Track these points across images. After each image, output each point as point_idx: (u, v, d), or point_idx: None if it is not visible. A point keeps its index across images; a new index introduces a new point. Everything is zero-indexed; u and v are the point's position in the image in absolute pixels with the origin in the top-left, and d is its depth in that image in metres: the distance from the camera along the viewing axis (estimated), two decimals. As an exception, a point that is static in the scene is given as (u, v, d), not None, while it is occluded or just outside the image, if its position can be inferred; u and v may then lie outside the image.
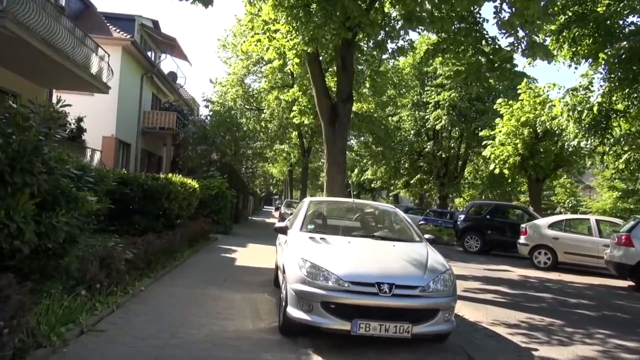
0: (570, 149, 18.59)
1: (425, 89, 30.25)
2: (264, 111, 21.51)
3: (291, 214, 27.45)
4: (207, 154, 23.41)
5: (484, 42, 10.57)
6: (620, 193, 34.89)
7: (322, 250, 5.10)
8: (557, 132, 17.81)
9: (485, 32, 10.46)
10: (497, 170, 22.29)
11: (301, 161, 22.55)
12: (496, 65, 10.15)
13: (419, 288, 4.70)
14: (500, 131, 21.91)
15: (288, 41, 9.48)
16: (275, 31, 9.37)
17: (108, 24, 22.19)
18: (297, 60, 10.02)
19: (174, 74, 31.18)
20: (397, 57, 13.95)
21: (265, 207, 69.59)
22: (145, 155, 26.47)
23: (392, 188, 43.29)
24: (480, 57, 10.54)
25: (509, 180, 24.95)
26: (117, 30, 21.86)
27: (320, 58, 10.69)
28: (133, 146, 24.02)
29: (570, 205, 42.26)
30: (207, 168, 20.87)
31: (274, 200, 76.96)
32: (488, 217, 17.61)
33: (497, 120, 22.57)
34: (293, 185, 43.90)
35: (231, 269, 9.43)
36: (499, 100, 22.40)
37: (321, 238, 5.42)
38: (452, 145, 31.29)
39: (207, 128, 23.58)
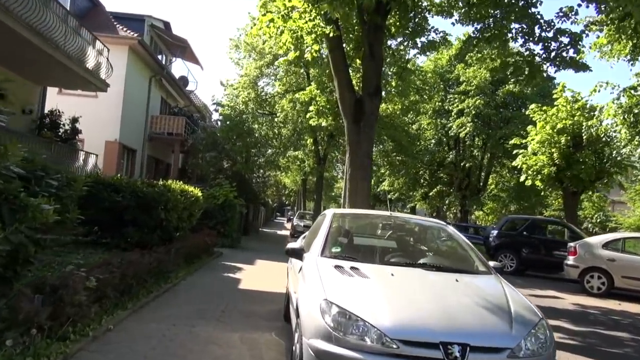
0: (618, 158, 16.71)
1: (448, 96, 28.58)
2: (277, 115, 20.02)
3: (305, 227, 25.91)
4: (217, 162, 21.95)
5: (537, 29, 8.92)
6: (656, 208, 32.67)
7: (355, 287, 3.47)
8: (603, 139, 15.99)
9: (539, 15, 8.81)
10: (528, 182, 20.43)
11: (316, 169, 20.95)
12: (555, 53, 8.45)
13: (507, 351, 3.05)
14: (533, 139, 20.10)
15: (306, 22, 7.95)
16: (291, 9, 7.84)
17: (116, 24, 20.96)
18: (315, 47, 8.49)
19: (185, 78, 29.92)
20: (428, 53, 12.26)
21: (277, 217, 68.06)
22: (152, 162, 25.12)
23: (410, 200, 41.43)
24: (532, 45, 8.88)
25: (542, 193, 23.04)
26: (125, 29, 20.62)
27: (344, 45, 9.13)
28: (139, 152, 22.66)
29: (598, 220, 40.02)
30: (215, 176, 19.40)
31: (286, 211, 75.40)
32: (525, 233, 15.77)
33: (530, 127, 20.79)
34: (306, 196, 42.26)
35: (233, 294, 7.81)
36: (532, 106, 20.64)
37: (352, 268, 3.77)
38: (476, 154, 29.44)
39: (217, 134, 22.14)
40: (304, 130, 19.27)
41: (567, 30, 8.43)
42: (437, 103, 27.53)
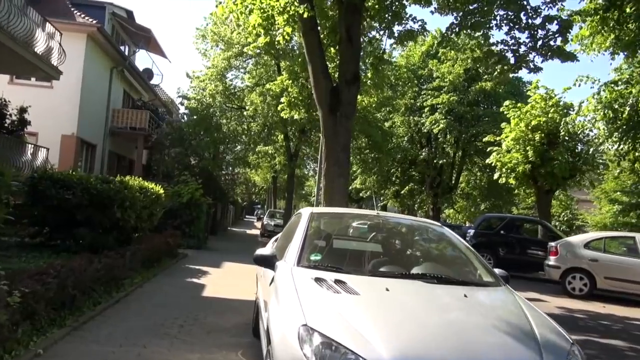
0: (596, 155, 16.53)
1: (421, 92, 28.22)
2: (246, 109, 19.11)
3: (276, 226, 25.01)
4: (182, 158, 20.85)
5: (522, 16, 8.38)
6: (621, 207, 33.17)
7: (343, 307, 2.71)
8: (580, 135, 15.76)
9: (525, 1, 8.27)
10: (502, 180, 20.16)
11: (287, 166, 20.12)
12: (542, 42, 7.91)
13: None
14: (507, 136, 19.84)
15: (277, 0, 7.18)
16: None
17: (74, 10, 19.60)
18: (288, 29, 7.71)
19: (149, 70, 28.55)
20: (405, 43, 11.64)
21: (247, 216, 66.81)
22: (114, 158, 23.78)
23: (381, 198, 41.05)
24: (517, 33, 8.34)
25: (515, 191, 22.85)
26: (83, 16, 19.30)
27: (319, 29, 8.37)
28: (99, 147, 21.35)
29: (565, 218, 40.64)
30: (180, 173, 18.35)
31: (256, 210, 74.17)
32: (502, 232, 15.40)
33: (504, 124, 20.53)
34: (277, 194, 41.34)
35: (195, 304, 6.96)
36: (506, 103, 20.38)
37: (337, 281, 3.00)
38: (449, 151, 29.18)
39: (183, 128, 21.04)
40: (274, 124, 18.41)
41: (557, 16, 7.94)
42: (409, 100, 27.09)
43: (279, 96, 17.83)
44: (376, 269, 3.43)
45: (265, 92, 18.43)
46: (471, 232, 15.93)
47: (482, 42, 10.30)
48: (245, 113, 19.77)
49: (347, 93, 7.69)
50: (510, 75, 29.05)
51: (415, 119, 28.08)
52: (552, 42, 8.24)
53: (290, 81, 11.33)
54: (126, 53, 24.34)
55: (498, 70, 8.76)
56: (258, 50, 18.82)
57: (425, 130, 27.78)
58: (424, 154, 29.41)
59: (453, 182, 32.11)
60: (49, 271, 4.95)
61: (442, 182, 31.65)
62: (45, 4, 18.92)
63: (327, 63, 9.36)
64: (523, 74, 31.87)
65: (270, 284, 3.53)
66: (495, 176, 20.79)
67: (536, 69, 8.57)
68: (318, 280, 3.00)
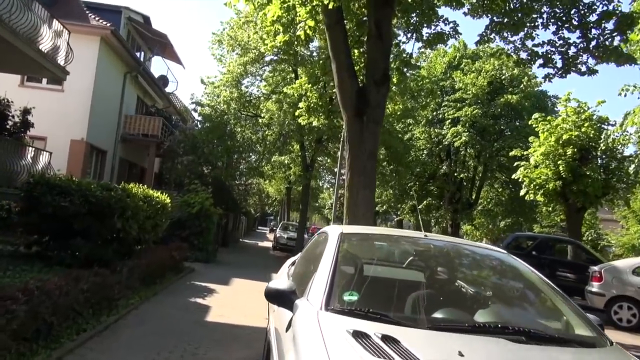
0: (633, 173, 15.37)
1: (442, 103, 27.24)
2: (262, 116, 18.31)
3: (289, 239, 24.01)
4: (194, 166, 20.09)
5: (573, 13, 7.42)
6: (652, 227, 31.68)
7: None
8: (615, 151, 14.65)
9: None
10: (530, 197, 19.02)
11: (303, 177, 19.21)
12: (596, 42, 6.93)
13: None
14: (535, 151, 18.74)
15: (300, -12, 6.36)
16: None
17: (89, 14, 19.11)
18: (310, 23, 6.87)
19: (164, 77, 28.09)
20: (434, 47, 10.74)
21: (259, 227, 65.94)
22: (125, 166, 23.13)
23: (398, 213, 39.94)
24: (566, 33, 7.37)
25: (544, 208, 21.65)
26: (97, 19, 18.79)
27: (345, 22, 7.49)
28: (110, 154, 20.70)
29: (590, 238, 39.06)
30: (190, 181, 17.57)
31: (269, 221, 73.32)
32: (534, 253, 14.22)
33: (532, 138, 19.44)
34: (291, 205, 40.39)
35: (196, 332, 6.03)
36: (536, 115, 19.29)
37: (385, 339, 2.05)
38: (471, 164, 28.05)
39: (196, 136, 20.32)
40: (290, 133, 17.54)
41: (617, 12, 6.94)
42: (430, 111, 26.14)
43: (296, 103, 17.05)
44: (436, 318, 2.46)
45: (281, 99, 17.62)
46: (499, 252, 14.79)
47: (522, 44, 9.41)
48: (260, 121, 18.97)
49: (376, 94, 6.79)
50: (536, 88, 28.24)
51: (436, 131, 27.06)
52: (607, 42, 7.27)
53: (310, 85, 10.48)
54: (141, 59, 23.85)
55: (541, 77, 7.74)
56: (276, 52, 18.03)
57: (446, 143, 26.72)
58: (444, 167, 28.30)
59: (473, 197, 30.95)
60: (17, 295, 4.06)
61: (462, 198, 30.53)
62: (60, 7, 18.52)
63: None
64: (547, 86, 30.76)
65: (287, 329, 2.59)
66: (522, 192, 19.65)
67: (591, 72, 7.58)
68: (358, 336, 2.05)
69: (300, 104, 10.69)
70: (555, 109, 26.66)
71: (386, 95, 7.04)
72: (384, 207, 38.12)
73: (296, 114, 11.04)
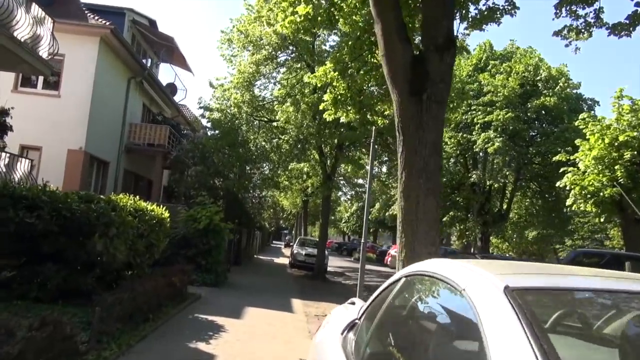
0: None
1: (471, 107, 25.20)
2: (277, 119, 16.46)
3: (307, 255, 21.83)
4: (204, 177, 18.29)
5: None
6: None
7: None
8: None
9: None
10: (580, 206, 16.82)
11: (323, 187, 17.23)
12: None
13: None
14: (585, 155, 16.58)
15: None
16: None
17: (89, 14, 17.59)
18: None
19: (173, 85, 26.58)
20: (483, 26, 8.81)
21: (274, 242, 63.93)
22: (130, 178, 21.45)
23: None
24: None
25: (597, 220, 19.41)
26: (96, 18, 17.26)
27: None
28: (113, 165, 19.02)
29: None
30: (197, 193, 15.78)
31: (284, 235, 71.28)
32: (602, 272, 12.09)
33: (579, 141, 17.31)
34: (307, 219, 38.36)
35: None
36: (583, 115, 17.19)
37: None
38: (506, 172, 25.85)
39: (204, 144, 18.56)
40: (309, 137, 15.63)
41: None
42: (460, 115, 24.14)
43: (316, 103, 15.23)
44: None
45: (298, 100, 15.79)
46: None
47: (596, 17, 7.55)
48: (275, 124, 17.13)
49: (438, 63, 4.88)
50: (572, 91, 26.04)
51: (465, 136, 24.98)
52: None
53: (336, 73, 8.59)
54: (148, 65, 22.31)
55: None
56: (290, 43, 16.25)
57: (477, 150, 24.62)
58: (473, 176, 26.14)
59: (504, 208, 28.68)
60: None
61: (491, 209, 28.34)
62: (57, 7, 17.04)
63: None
64: (583, 89, 28.55)
65: None
66: (569, 202, 17.45)
67: None
68: None
69: (325, 96, 8.79)
70: (592, 112, 24.54)
71: (452, 66, 5.12)
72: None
73: (320, 107, 9.14)
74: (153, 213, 8.27)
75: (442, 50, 4.95)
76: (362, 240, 10.93)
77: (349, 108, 8.83)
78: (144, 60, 22.07)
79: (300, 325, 8.51)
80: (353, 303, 3.56)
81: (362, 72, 8.68)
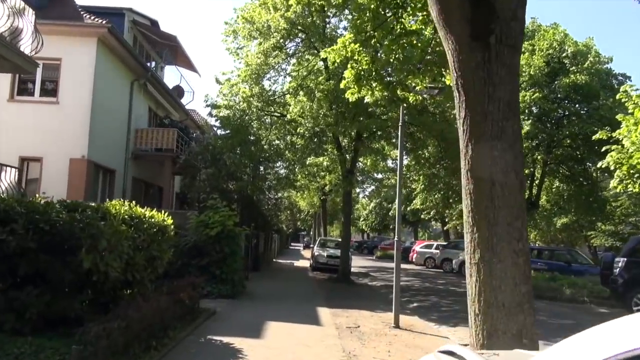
0: None
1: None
2: (290, 111, 15.19)
3: (329, 257, 20.32)
4: (215, 180, 17.14)
5: None
6: None
7: None
8: None
9: None
10: (629, 187, 15.24)
11: (343, 182, 15.89)
12: None
13: None
14: (630, 131, 15.01)
15: None
16: None
17: (85, 14, 16.57)
18: None
19: (179, 87, 25.55)
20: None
21: (292, 244, 62.76)
22: (139, 186, 20.42)
23: (447, 220, 36.15)
24: None
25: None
26: (92, 18, 16.23)
27: None
28: (119, 173, 17.97)
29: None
30: (208, 196, 14.63)
31: (302, 237, 70.10)
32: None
33: (620, 116, 15.73)
34: (327, 219, 36.99)
35: None
36: (625, 87, 15.59)
37: None
38: (537, 156, 24.24)
39: (213, 145, 17.41)
40: (327, 128, 14.27)
41: None
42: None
43: (332, 91, 13.98)
44: None
45: (312, 89, 14.51)
46: (620, 260, 11.15)
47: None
48: (288, 116, 15.86)
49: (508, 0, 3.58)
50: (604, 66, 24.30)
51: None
52: None
53: (358, 45, 7.30)
54: (152, 68, 21.27)
55: None
56: (300, 30, 15.00)
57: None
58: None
59: (534, 195, 26.99)
60: None
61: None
62: (52, 9, 16.10)
63: None
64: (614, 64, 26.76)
65: None
66: (613, 183, 15.87)
67: None
68: None
69: (346, 73, 7.51)
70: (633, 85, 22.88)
71: (525, 3, 3.80)
72: (431, 213, 34.48)
73: (341, 85, 7.84)
74: (153, 220, 7.08)
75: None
76: (396, 239, 9.60)
77: (374, 85, 7.54)
78: (147, 63, 21.04)
79: (332, 342, 7.24)
80: (450, 353, 2.29)
81: (387, 41, 7.37)
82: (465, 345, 8.21)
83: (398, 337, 8.06)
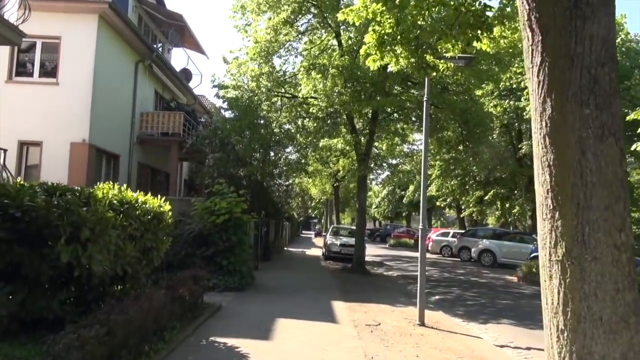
0: None
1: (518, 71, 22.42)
2: (302, 89, 14.20)
3: (342, 245, 19.23)
4: (223, 164, 16.29)
5: None
6: None
7: None
8: None
9: None
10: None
11: (360, 167, 14.85)
12: None
13: None
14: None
15: None
16: None
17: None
18: None
19: (187, 70, 24.70)
20: None
21: (304, 232, 61.97)
22: (146, 172, 19.66)
23: (463, 207, 35.08)
24: None
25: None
26: (96, -4, 15.31)
27: None
28: (124, 158, 17.21)
29: None
30: (213, 181, 13.78)
31: (313, 225, 69.23)
32: None
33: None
34: (339, 206, 35.98)
35: None
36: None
37: None
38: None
39: (221, 128, 16.53)
40: (341, 107, 13.20)
41: None
42: (507, 79, 21.33)
43: (348, 67, 12.95)
44: None
45: (326, 65, 13.49)
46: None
47: None
48: (300, 96, 14.86)
49: None
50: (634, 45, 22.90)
51: (511, 103, 22.23)
52: None
53: (380, 4, 6.32)
54: (158, 49, 20.39)
55: None
56: (312, 15, 14.02)
57: (527, 117, 21.94)
58: (524, 147, 23.41)
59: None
60: None
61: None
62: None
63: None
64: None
65: None
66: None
67: None
68: None
69: (367, 37, 6.54)
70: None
71: None
72: (448, 200, 33.44)
73: (361, 52, 6.87)
74: (147, 206, 6.21)
75: None
76: (421, 227, 8.58)
77: (399, 51, 6.54)
78: (153, 45, 20.15)
79: (351, 344, 6.37)
80: None
81: (412, 2, 6.36)
82: (502, 347, 7.28)
83: (425, 337, 7.16)
